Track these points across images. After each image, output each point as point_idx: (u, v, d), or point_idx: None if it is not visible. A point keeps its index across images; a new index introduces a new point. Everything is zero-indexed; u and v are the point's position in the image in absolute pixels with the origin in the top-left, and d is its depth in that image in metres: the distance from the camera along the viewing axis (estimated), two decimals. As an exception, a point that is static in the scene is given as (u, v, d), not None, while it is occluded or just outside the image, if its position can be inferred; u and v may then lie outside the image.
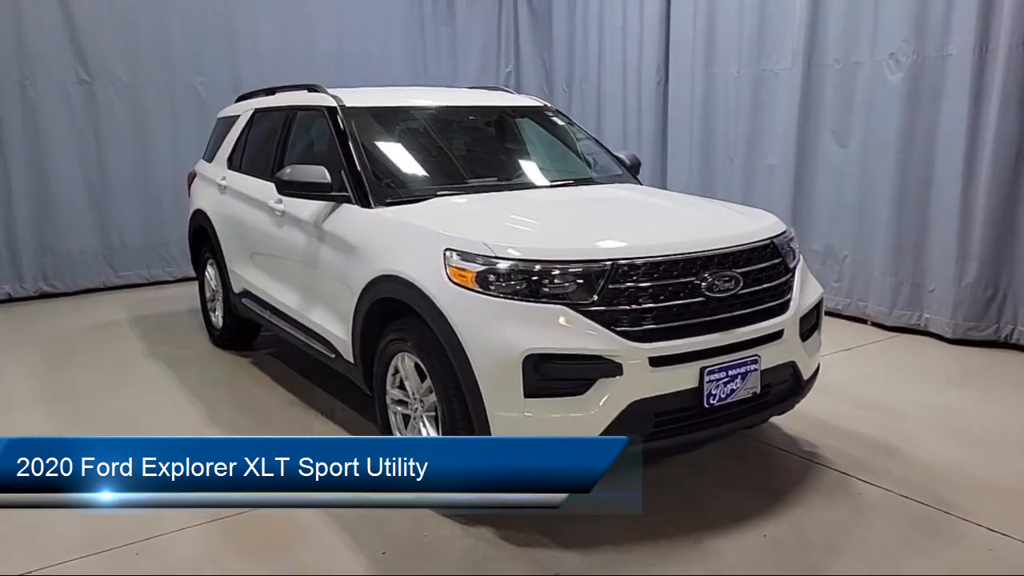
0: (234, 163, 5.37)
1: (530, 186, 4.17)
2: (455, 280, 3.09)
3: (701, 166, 7.21)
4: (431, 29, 9.22)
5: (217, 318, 5.76)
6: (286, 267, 4.45)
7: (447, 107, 4.65)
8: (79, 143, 7.38)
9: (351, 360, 3.85)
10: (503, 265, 3.02)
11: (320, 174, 3.87)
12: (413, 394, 3.44)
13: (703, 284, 3.09)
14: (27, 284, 7.33)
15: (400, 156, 4.25)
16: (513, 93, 5.31)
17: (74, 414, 4.59)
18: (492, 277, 3.02)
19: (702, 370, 3.06)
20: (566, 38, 8.79)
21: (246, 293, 5.09)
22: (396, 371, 3.54)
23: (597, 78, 8.39)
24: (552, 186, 4.23)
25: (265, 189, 4.69)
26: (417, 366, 3.38)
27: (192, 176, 6.16)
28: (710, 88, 7.08)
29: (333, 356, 4.03)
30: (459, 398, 3.10)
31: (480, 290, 3.03)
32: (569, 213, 3.81)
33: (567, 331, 2.93)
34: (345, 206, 3.90)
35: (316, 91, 4.61)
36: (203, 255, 5.82)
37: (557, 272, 2.98)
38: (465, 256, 3.10)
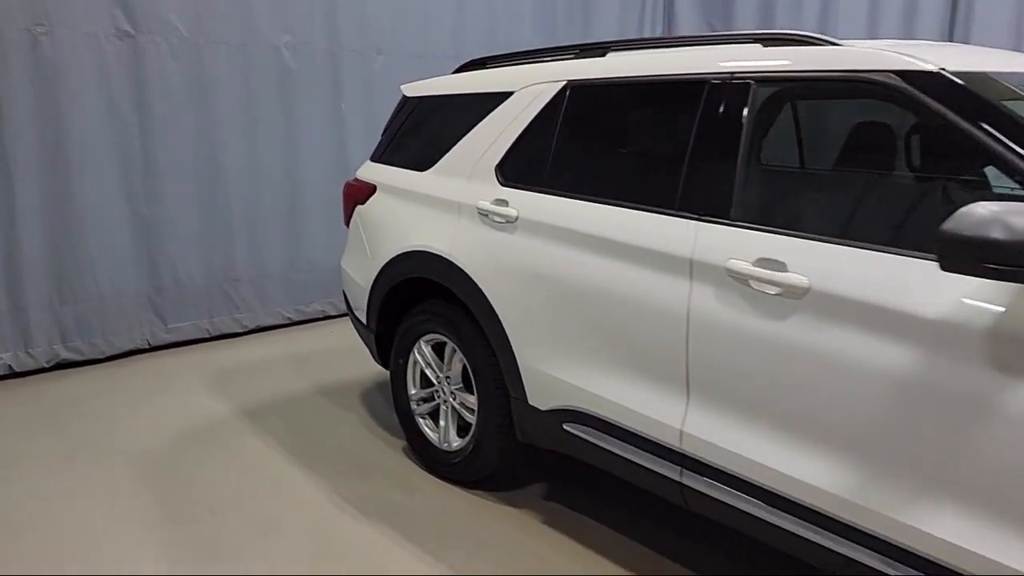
0: (525, 177, 3.02)
1: None
2: None
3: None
4: (562, -14, 6.98)
5: (446, 434, 3.41)
6: (794, 399, 2.19)
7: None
8: (115, 125, 4.76)
9: None
10: None
11: None
12: None
13: None
14: (36, 349, 4.67)
15: None
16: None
17: None
18: None
19: None
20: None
21: (579, 416, 2.79)
22: None
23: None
24: None
25: (681, 232, 2.42)
26: None
27: (365, 190, 3.76)
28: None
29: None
30: None
31: None
32: None
33: None
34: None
35: (806, 43, 2.37)
36: (416, 326, 3.45)
37: None
38: None
